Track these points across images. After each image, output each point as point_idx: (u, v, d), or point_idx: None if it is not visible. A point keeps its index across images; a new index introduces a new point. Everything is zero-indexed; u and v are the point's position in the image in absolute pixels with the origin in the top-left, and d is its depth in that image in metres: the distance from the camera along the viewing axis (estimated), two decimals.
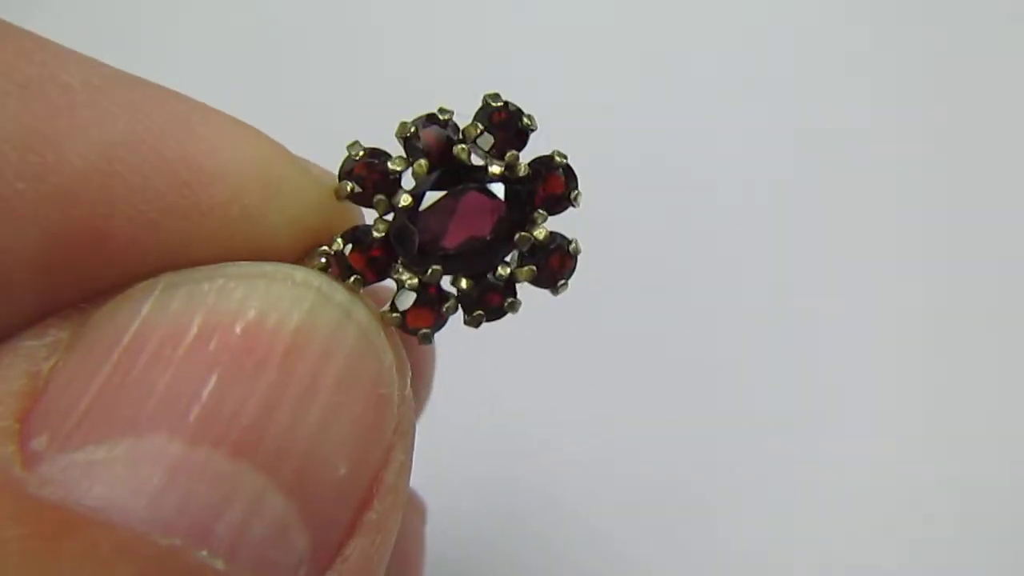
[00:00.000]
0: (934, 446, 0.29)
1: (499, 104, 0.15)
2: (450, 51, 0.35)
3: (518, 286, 0.16)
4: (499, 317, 0.15)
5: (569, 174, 0.16)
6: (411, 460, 0.13)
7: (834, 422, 0.30)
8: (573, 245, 0.16)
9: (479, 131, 0.15)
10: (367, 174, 0.15)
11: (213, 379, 0.11)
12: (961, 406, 0.30)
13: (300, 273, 0.13)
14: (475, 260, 0.15)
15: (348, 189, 0.14)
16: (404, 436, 0.13)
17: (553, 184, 0.16)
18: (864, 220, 0.32)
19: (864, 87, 0.34)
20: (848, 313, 0.31)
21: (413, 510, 0.19)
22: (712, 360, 0.31)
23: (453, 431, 0.28)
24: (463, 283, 0.15)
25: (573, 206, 0.16)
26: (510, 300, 0.16)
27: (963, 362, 0.30)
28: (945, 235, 0.32)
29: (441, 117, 0.15)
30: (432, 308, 0.15)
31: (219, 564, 0.11)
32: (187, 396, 0.11)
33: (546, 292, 0.16)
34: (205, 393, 0.11)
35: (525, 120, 0.16)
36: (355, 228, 0.15)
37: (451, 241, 0.15)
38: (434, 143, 0.15)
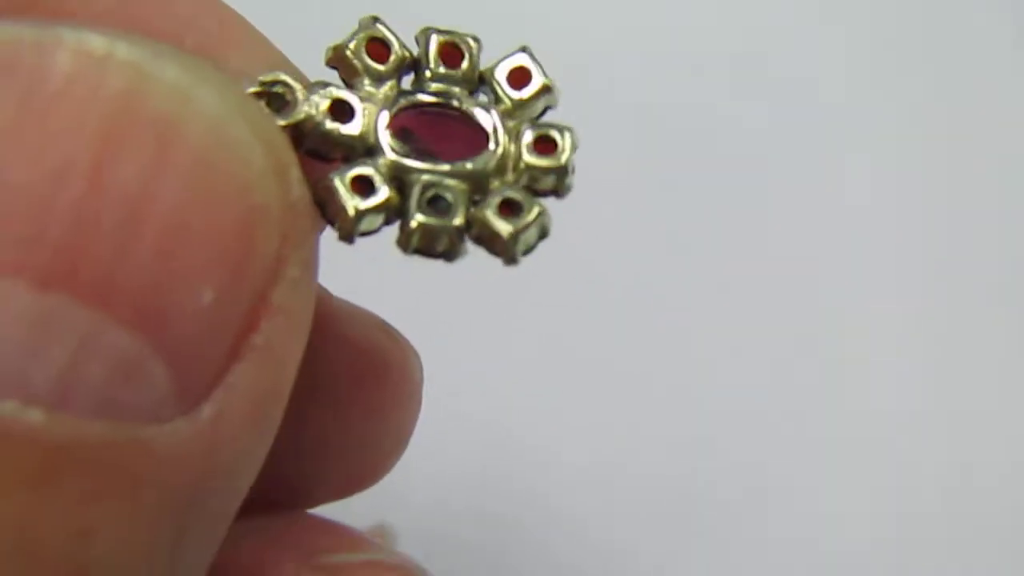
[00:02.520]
0: (954, 444, 0.29)
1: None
2: None
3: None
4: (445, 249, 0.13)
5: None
6: (313, 275, 0.12)
7: (845, 421, 0.29)
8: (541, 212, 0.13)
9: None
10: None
11: None
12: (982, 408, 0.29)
13: (124, 45, 0.10)
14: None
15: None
16: (297, 248, 0.11)
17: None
18: (871, 217, 0.32)
19: (866, 73, 0.34)
20: (858, 311, 0.31)
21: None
22: (717, 356, 0.30)
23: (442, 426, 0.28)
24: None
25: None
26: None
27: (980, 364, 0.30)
28: (951, 233, 0.32)
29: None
30: (367, 190, 0.12)
31: (35, 415, 0.09)
32: None
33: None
34: None
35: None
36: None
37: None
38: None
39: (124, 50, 0.10)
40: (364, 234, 0.13)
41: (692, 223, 0.31)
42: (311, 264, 0.12)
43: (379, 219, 0.13)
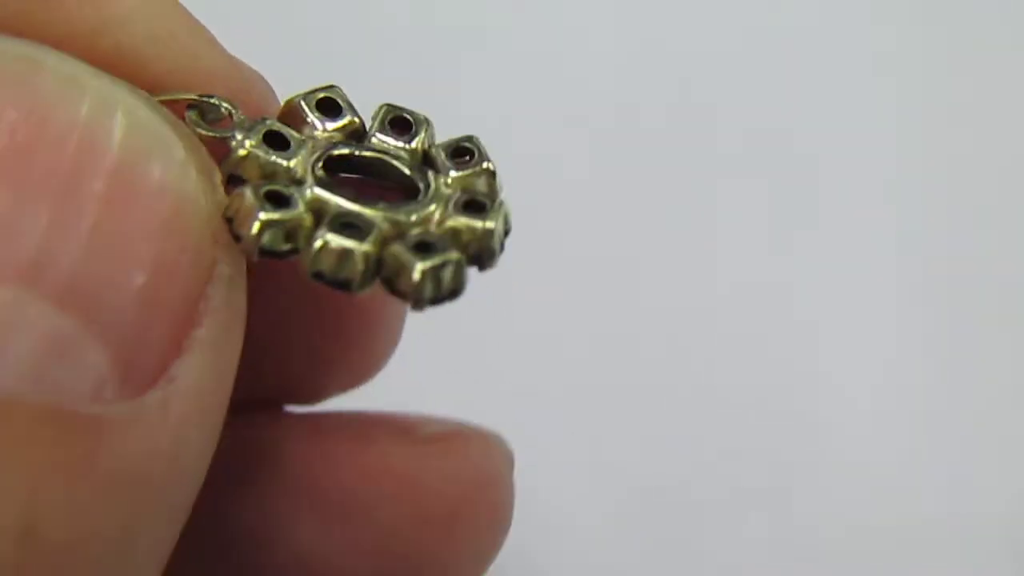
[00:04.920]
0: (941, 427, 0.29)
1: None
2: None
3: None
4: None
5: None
6: (243, 276, 0.12)
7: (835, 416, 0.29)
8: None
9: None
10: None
11: None
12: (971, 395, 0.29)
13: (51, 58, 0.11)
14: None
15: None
16: (228, 249, 0.12)
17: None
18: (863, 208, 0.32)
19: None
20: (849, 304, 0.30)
21: None
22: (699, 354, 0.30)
23: None
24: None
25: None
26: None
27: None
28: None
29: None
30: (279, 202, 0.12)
31: None
32: None
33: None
34: None
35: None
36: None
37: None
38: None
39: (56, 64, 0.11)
40: (267, 252, 0.12)
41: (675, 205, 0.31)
42: (242, 268, 0.12)
43: (282, 236, 0.12)
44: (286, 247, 0.12)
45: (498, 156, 0.14)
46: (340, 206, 0.12)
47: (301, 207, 0.12)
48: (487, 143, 0.14)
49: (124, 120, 0.11)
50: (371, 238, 0.12)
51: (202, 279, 0.11)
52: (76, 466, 0.10)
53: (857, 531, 0.28)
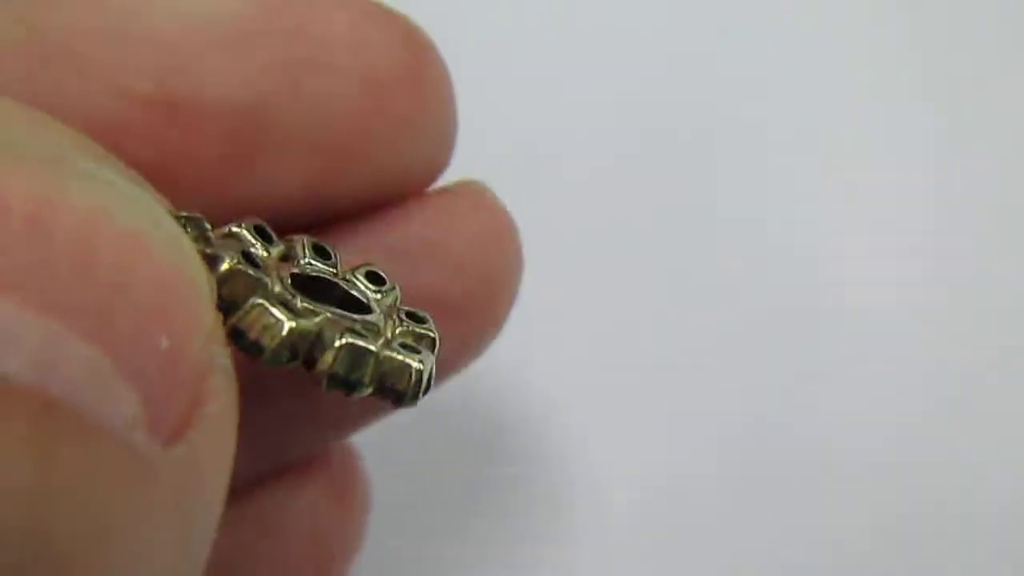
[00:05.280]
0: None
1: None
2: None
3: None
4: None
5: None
6: (234, 375, 0.13)
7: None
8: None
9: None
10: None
11: None
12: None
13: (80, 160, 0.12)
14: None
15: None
16: (225, 348, 0.12)
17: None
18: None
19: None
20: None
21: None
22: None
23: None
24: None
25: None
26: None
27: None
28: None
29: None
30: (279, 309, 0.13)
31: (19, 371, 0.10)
32: None
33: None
34: None
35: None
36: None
37: None
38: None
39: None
40: (291, 360, 0.13)
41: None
42: (232, 366, 0.13)
43: (295, 345, 0.13)
44: (294, 355, 0.13)
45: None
46: (331, 316, 0.13)
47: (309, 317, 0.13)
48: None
49: (140, 211, 0.11)
50: (377, 340, 0.13)
51: (207, 363, 0.12)
52: (120, 486, 0.11)
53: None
